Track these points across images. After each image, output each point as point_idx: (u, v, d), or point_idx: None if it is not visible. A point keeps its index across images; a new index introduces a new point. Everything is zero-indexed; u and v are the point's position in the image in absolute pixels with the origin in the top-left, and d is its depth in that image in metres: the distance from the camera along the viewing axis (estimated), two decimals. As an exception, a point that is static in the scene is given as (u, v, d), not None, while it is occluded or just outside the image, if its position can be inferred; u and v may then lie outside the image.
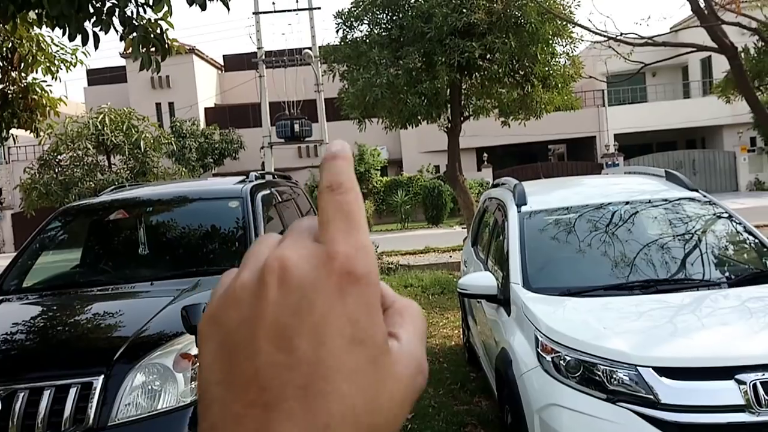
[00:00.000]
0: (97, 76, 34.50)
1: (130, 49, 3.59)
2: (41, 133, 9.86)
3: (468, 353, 5.67)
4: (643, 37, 7.29)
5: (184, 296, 3.17)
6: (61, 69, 6.30)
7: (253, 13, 25.62)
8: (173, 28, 3.99)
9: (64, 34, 3.62)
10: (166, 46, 3.95)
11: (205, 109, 32.41)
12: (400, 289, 9.75)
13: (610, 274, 3.44)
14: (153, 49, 3.93)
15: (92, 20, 3.43)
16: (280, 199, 4.89)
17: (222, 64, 35.94)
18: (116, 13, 3.61)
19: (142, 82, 31.39)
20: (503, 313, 3.49)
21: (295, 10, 25.02)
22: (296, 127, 24.15)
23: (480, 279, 3.67)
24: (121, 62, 32.23)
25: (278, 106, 25.67)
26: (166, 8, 3.80)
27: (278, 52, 26.36)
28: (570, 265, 3.64)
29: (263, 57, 25.62)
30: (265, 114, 25.74)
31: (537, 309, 3.10)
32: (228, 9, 3.91)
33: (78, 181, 11.25)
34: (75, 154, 11.84)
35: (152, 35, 3.85)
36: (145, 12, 3.87)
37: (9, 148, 28.87)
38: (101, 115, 11.89)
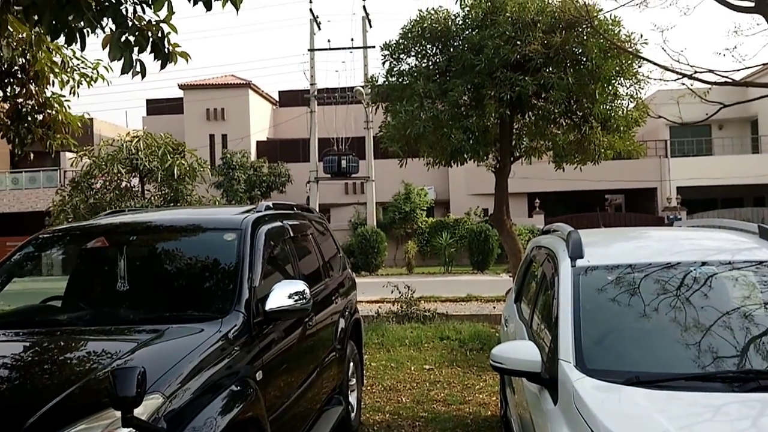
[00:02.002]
0: (155, 106, 35.50)
1: (108, 46, 3.05)
2: (77, 156, 9.56)
3: (505, 429, 4.80)
4: (721, 75, 6.44)
5: (140, 349, 2.53)
6: (82, 84, 5.96)
7: (309, 50, 25.89)
8: (176, 32, 3.47)
9: (46, 32, 3.14)
10: (167, 51, 3.42)
11: (257, 142, 32.72)
12: (435, 341, 8.91)
13: (693, 358, 2.61)
14: (152, 54, 3.40)
15: (74, 16, 2.92)
16: (292, 235, 4.24)
17: (277, 99, 36.45)
18: (108, 11, 3.10)
19: (198, 113, 32.04)
20: (548, 398, 2.69)
21: (349, 48, 25.11)
22: (343, 163, 23.93)
23: (519, 351, 2.88)
24: (179, 93, 33.05)
25: (328, 142, 25.58)
26: (166, 9, 3.28)
27: (331, 89, 26.41)
28: (639, 342, 2.82)
29: (315, 93, 25.71)
30: (313, 149, 25.68)
31: (594, 402, 2.30)
32: (237, 10, 3.37)
33: (107, 206, 11.05)
34: (108, 178, 11.70)
35: (150, 38, 3.33)
36: (144, 12, 3.37)
37: (65, 171, 29.68)
38: (135, 140, 11.75)
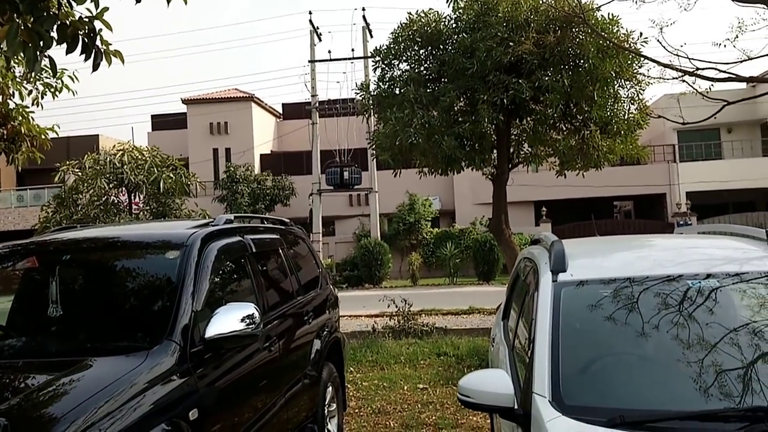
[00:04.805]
0: (160, 121, 35.47)
1: (5, 41, 2.71)
2: (61, 171, 9.23)
3: (494, 459, 4.38)
4: (725, 72, 6.05)
5: (38, 392, 2.17)
6: (46, 95, 5.68)
7: (309, 62, 25.68)
8: (110, 29, 3.14)
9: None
10: (98, 49, 3.09)
11: (261, 155, 32.54)
12: (432, 358, 8.50)
13: (691, 391, 2.21)
14: (82, 55, 3.08)
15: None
16: (255, 251, 3.88)
17: (281, 112, 36.30)
18: (24, 2, 2.77)
19: (201, 128, 31.93)
20: (520, 439, 2.30)
21: (350, 59, 24.87)
22: (345, 174, 23.60)
23: (488, 382, 2.48)
24: (183, 108, 32.99)
25: (331, 154, 25.31)
26: (93, 4, 2.96)
27: (333, 100, 26.16)
28: (627, 372, 2.42)
29: (317, 105, 25.48)
30: (315, 161, 25.42)
31: (568, 450, 1.91)
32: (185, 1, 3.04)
33: (91, 221, 10.77)
34: (94, 193, 11.44)
35: (79, 34, 3.00)
36: (71, 7, 3.04)
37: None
38: (120, 153, 11.49)
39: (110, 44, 3.17)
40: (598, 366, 2.46)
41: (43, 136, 5.89)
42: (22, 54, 2.70)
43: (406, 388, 7.15)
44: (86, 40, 3.04)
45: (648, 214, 28.38)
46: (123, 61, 3.21)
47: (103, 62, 3.25)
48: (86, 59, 3.11)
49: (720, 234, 3.66)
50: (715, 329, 2.48)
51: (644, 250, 3.50)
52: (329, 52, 42.63)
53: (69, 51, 3.04)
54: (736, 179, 25.80)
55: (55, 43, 2.87)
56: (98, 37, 3.11)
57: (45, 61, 2.95)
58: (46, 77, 5.58)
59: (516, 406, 2.40)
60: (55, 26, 2.79)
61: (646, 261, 3.08)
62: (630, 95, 8.75)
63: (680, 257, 3.06)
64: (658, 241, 3.94)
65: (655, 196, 27.33)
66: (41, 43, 2.71)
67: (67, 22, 2.98)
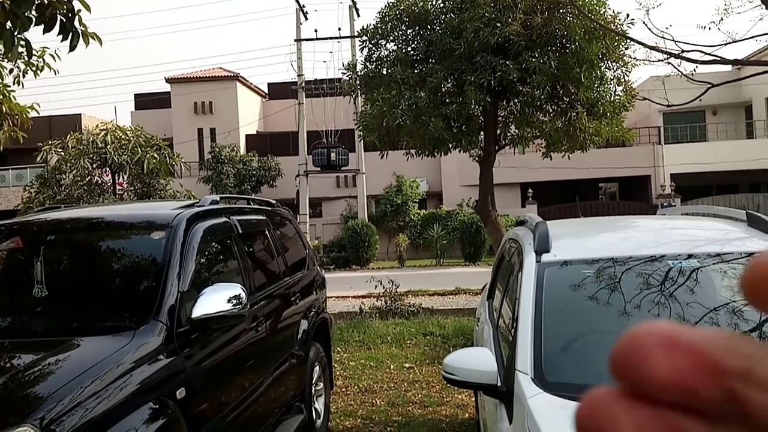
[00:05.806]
0: (143, 100, 34.99)
1: None
2: (43, 150, 9.08)
3: (479, 435, 4.46)
4: (710, 54, 6.08)
5: (24, 371, 2.17)
6: (28, 73, 5.58)
7: (295, 40, 25.40)
8: (89, 9, 3.08)
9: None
10: (76, 30, 3.04)
11: (247, 135, 32.23)
12: (419, 338, 8.58)
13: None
14: (60, 35, 3.02)
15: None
16: (241, 232, 3.88)
17: (266, 91, 35.92)
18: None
19: (185, 107, 31.53)
20: (504, 417, 2.34)
21: (336, 38, 24.62)
22: (333, 155, 23.49)
23: (472, 359, 2.53)
24: (167, 87, 32.55)
25: (318, 135, 25.14)
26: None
27: (319, 80, 25.92)
28: (608, 351, 2.46)
29: (303, 85, 25.23)
30: (302, 142, 25.24)
31: (548, 425, 1.95)
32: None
33: (75, 202, 10.67)
34: (77, 173, 11.30)
35: (57, 15, 2.95)
36: (49, -15, 2.98)
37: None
38: (103, 133, 11.34)
39: (87, 27, 3.11)
40: (580, 344, 2.51)
41: (24, 115, 5.80)
42: None
43: (392, 367, 7.23)
44: (64, 20, 2.99)
45: (632, 196, 28.62)
46: (101, 43, 3.16)
47: (81, 42, 3.21)
48: (63, 39, 3.06)
49: (702, 215, 3.71)
50: (696, 308, 2.54)
51: (627, 231, 3.54)
52: (315, 30, 41.88)
53: (46, 31, 2.99)
54: (720, 161, 26.06)
55: (33, 23, 2.82)
56: (77, 17, 3.06)
57: (21, 43, 2.90)
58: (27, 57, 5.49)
59: (499, 384, 2.44)
60: (33, 7, 2.74)
61: (629, 242, 3.12)
62: (616, 77, 8.79)
63: (663, 238, 3.10)
64: (641, 223, 3.99)
65: (640, 178, 27.55)
66: (18, 23, 2.66)
67: (46, 2, 2.93)
